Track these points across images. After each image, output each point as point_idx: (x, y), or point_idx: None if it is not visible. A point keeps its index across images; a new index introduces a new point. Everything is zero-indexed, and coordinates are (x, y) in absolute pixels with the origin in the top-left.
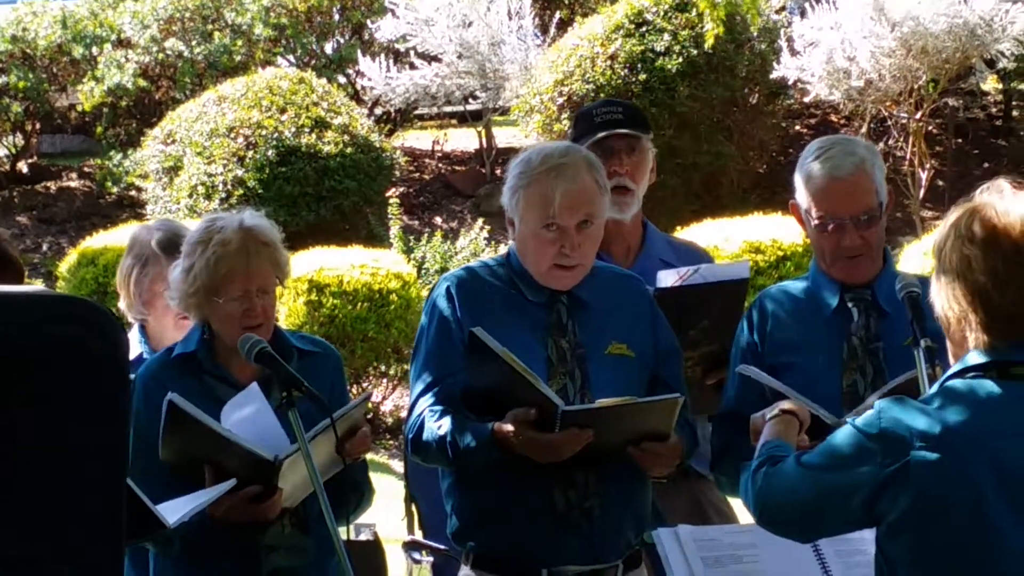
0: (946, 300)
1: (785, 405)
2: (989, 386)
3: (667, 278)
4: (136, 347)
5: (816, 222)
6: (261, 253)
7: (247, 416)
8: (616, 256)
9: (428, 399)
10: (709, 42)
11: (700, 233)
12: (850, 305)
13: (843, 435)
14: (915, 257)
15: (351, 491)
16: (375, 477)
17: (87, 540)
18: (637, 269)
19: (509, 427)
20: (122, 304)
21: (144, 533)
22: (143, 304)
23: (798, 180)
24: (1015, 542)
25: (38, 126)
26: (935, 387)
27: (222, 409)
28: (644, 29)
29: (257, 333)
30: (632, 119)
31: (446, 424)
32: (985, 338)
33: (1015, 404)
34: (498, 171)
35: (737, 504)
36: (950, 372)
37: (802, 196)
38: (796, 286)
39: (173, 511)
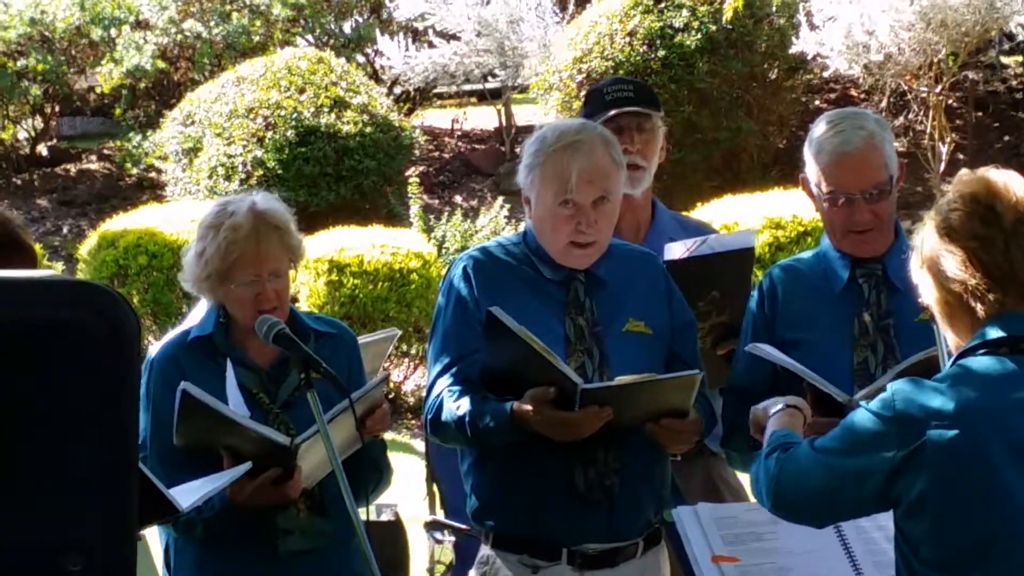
0: (954, 269)
1: (789, 401)
2: (1003, 362)
3: (675, 250)
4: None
5: (826, 197)
6: (272, 237)
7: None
8: (625, 233)
9: (446, 379)
10: (728, 16)
11: (720, 209)
12: (861, 281)
13: (857, 418)
14: None
15: (370, 471)
16: (397, 457)
17: (97, 528)
18: (646, 246)
19: (528, 406)
20: None
21: (158, 517)
22: None
23: (807, 154)
24: None
25: (57, 109)
26: (948, 365)
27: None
28: (663, 5)
29: (272, 316)
30: (642, 97)
31: (465, 404)
32: (998, 305)
33: None
34: (518, 149)
35: (748, 480)
36: (963, 349)
37: (812, 170)
38: (807, 260)
39: (187, 495)
